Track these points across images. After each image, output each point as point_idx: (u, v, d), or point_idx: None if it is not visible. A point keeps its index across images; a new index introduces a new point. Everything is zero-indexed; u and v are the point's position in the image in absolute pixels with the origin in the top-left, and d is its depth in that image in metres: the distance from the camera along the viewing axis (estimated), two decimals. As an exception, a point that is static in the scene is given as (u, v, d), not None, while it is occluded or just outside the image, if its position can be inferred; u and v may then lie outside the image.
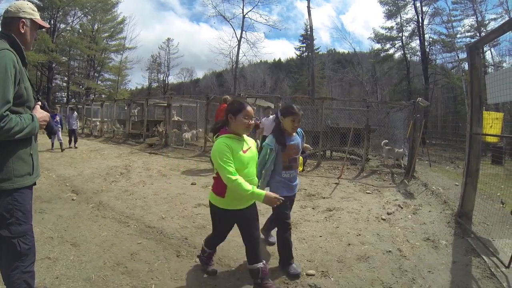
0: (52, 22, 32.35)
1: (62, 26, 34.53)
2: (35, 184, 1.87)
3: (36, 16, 1.89)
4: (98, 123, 17.80)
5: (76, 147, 11.37)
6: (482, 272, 2.98)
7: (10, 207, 1.69)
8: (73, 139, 11.70)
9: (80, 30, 36.52)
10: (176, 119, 14.19)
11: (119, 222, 4.05)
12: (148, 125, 13.80)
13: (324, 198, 5.55)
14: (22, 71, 1.71)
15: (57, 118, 10.54)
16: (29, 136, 1.74)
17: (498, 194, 6.03)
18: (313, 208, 4.92)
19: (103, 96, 37.91)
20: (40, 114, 1.82)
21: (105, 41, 38.75)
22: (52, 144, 10.52)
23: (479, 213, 4.33)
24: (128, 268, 2.83)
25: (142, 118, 14.33)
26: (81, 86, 37.09)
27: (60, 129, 10.47)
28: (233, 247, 3.36)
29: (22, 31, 1.81)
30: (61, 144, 10.36)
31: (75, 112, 12.87)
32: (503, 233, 3.68)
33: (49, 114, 1.90)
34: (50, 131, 2.05)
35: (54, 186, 5.78)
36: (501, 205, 5.35)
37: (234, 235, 3.67)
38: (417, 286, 2.73)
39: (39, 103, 1.89)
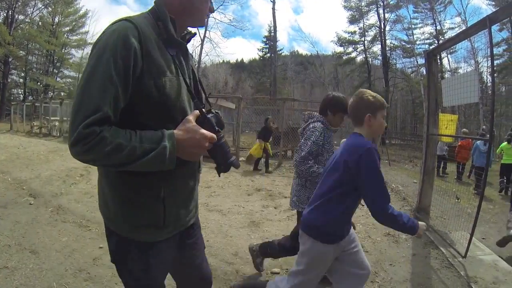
0: (10, 13, 30.13)
1: (21, 17, 32.03)
2: None
3: None
4: (57, 123, 16.82)
5: None
6: (440, 263, 3.19)
7: None
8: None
9: (40, 23, 33.96)
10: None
11: (80, 226, 3.87)
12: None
13: (286, 197, 5.61)
14: (151, 56, 0.98)
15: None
16: (150, 169, 0.97)
17: (454, 190, 6.44)
18: (275, 208, 4.99)
19: (62, 94, 35.92)
20: (190, 132, 0.98)
21: (65, 35, 36.45)
22: None
23: (436, 208, 4.62)
24: (90, 274, 2.71)
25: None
26: (39, 83, 34.77)
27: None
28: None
29: None
30: None
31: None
32: (459, 226, 3.95)
33: (214, 136, 1.01)
34: (222, 163, 1.07)
35: (10, 190, 5.37)
36: (456, 200, 5.72)
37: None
38: (380, 279, 2.85)
39: (196, 112, 1.05)
